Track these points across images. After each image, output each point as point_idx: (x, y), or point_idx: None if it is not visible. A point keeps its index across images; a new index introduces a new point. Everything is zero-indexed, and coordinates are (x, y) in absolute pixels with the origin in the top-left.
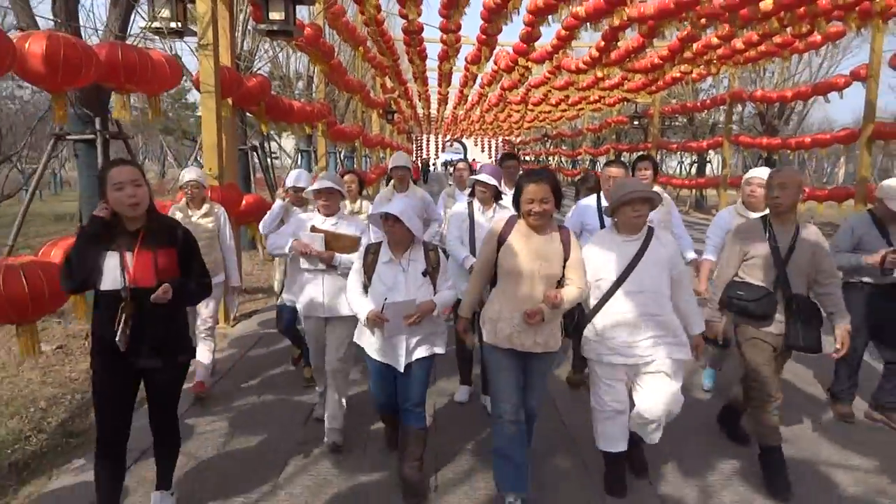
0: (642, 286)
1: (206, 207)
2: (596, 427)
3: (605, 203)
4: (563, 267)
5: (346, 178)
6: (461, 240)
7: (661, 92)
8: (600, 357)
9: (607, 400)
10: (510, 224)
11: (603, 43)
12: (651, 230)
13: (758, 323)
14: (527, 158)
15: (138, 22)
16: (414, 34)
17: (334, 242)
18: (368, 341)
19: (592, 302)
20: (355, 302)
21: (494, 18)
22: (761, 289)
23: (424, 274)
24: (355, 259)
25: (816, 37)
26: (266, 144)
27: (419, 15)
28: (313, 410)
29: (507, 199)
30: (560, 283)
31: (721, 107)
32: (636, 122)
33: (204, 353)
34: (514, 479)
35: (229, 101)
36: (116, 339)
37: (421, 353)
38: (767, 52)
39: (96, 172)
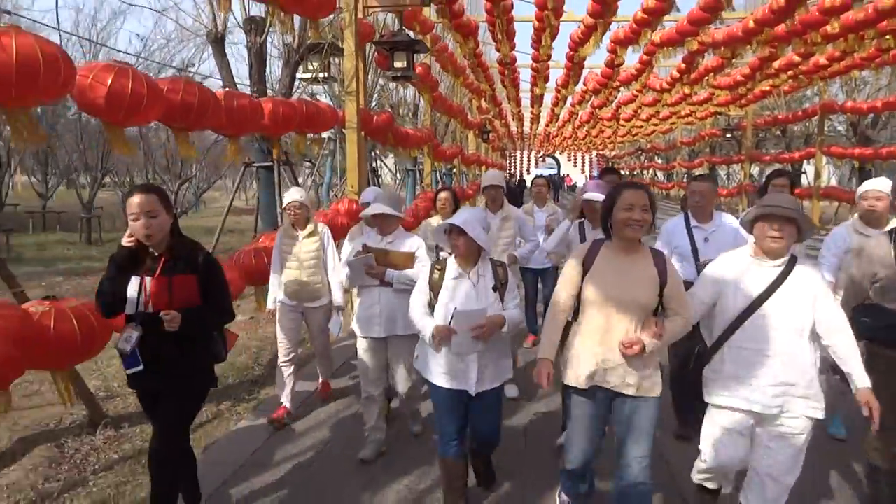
0: (777, 321)
1: (310, 228)
2: (697, 465)
3: (694, 223)
4: (660, 295)
5: (441, 195)
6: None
7: (754, 105)
8: (719, 400)
9: (722, 457)
10: (594, 249)
11: (683, 65)
12: (794, 258)
13: (891, 351)
14: (622, 172)
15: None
16: (507, 65)
17: (386, 260)
18: (434, 366)
19: (714, 334)
20: (419, 321)
21: (580, 48)
22: (892, 313)
23: (495, 290)
24: (410, 273)
25: None
26: (374, 164)
27: (512, 49)
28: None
29: None
30: (657, 314)
31: (813, 118)
32: (729, 135)
33: (289, 385)
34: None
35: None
36: (125, 357)
37: (493, 379)
38: (852, 65)
39: (272, 191)
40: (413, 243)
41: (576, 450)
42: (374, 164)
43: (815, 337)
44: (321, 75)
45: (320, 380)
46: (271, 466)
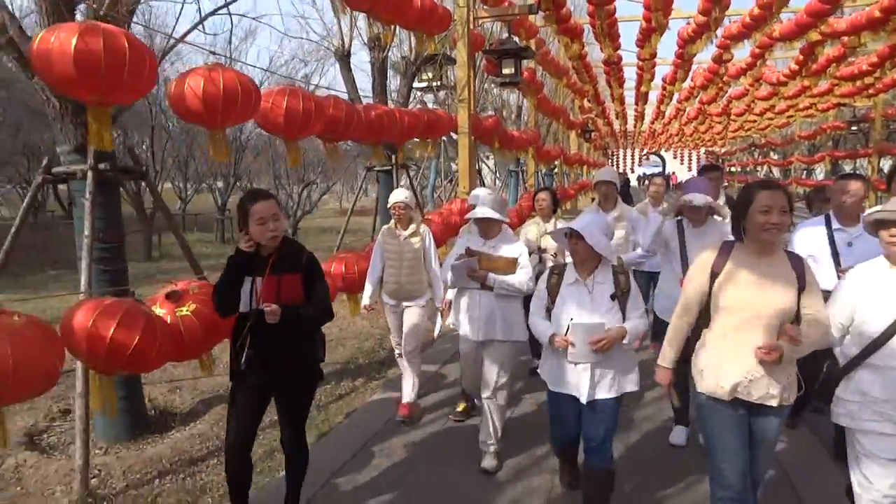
0: None
1: (412, 228)
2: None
3: (836, 225)
4: (798, 300)
5: (540, 195)
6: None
7: (883, 94)
8: (865, 425)
9: (882, 487)
10: (725, 251)
11: (801, 57)
12: None
13: None
14: (732, 170)
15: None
16: (613, 65)
17: (489, 264)
18: (549, 371)
19: (852, 350)
20: (537, 326)
21: (689, 45)
22: None
23: (613, 298)
24: (512, 279)
25: None
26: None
27: (616, 49)
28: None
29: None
30: (795, 321)
31: None
32: (855, 128)
33: (407, 377)
34: None
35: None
36: (239, 356)
37: (608, 389)
38: None
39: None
40: (516, 249)
41: (728, 462)
42: (476, 166)
43: None
44: (435, 84)
45: (404, 399)
46: (387, 453)
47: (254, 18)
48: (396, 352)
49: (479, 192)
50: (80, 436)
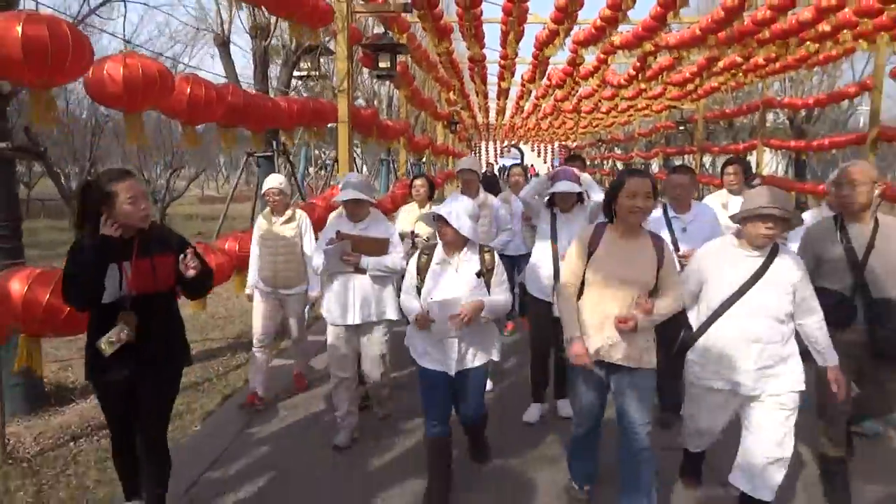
0: (759, 309)
1: (288, 214)
2: (685, 433)
3: (672, 213)
4: (657, 276)
5: (417, 182)
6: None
7: (704, 99)
8: (701, 381)
9: (703, 426)
10: (598, 232)
11: (638, 64)
12: (776, 247)
13: (834, 331)
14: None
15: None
16: (477, 62)
17: (361, 246)
18: (417, 347)
19: (699, 319)
20: (407, 304)
21: (545, 47)
22: (835, 294)
23: (479, 275)
24: (386, 260)
25: (828, 53)
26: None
27: (482, 48)
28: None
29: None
30: (653, 294)
31: (757, 112)
32: (682, 128)
33: (259, 372)
34: (584, 474)
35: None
36: (102, 345)
37: (474, 359)
38: (786, 66)
39: None
40: (386, 229)
41: (585, 415)
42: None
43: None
44: (314, 73)
45: (295, 371)
46: (246, 456)
47: None
48: (256, 344)
49: (349, 176)
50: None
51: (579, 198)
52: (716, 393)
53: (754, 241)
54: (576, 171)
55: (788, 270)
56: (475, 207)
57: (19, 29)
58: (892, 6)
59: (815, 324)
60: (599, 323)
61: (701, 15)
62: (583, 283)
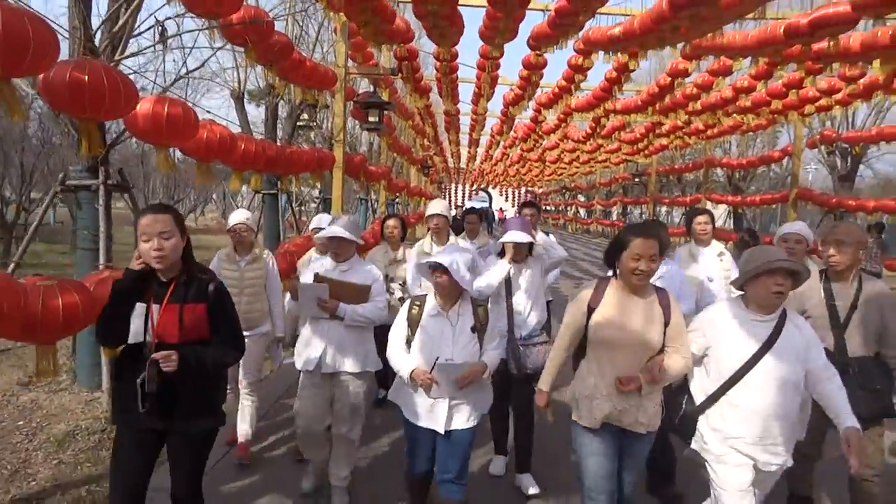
0: (775, 378)
1: (254, 253)
2: None
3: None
4: (664, 334)
5: (390, 223)
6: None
7: (656, 156)
8: (721, 456)
9: None
10: (601, 288)
11: (593, 124)
12: (784, 310)
13: None
14: (548, 208)
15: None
16: (452, 116)
17: (340, 291)
18: (407, 402)
19: (702, 386)
20: (397, 358)
21: (511, 106)
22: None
23: (473, 330)
24: (365, 311)
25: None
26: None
27: (456, 104)
28: (302, 483)
29: (542, 241)
30: (660, 353)
31: (700, 170)
32: (637, 179)
33: (246, 412)
34: None
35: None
36: (139, 396)
37: (465, 418)
38: (723, 131)
39: (276, 215)
40: (369, 275)
41: (599, 486)
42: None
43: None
44: (312, 124)
45: (240, 437)
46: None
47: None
48: (230, 386)
49: (327, 215)
50: (106, 367)
51: (530, 248)
52: (741, 470)
53: (764, 301)
54: (528, 221)
55: (800, 335)
56: (473, 259)
57: (86, 77)
58: (794, 90)
59: (834, 387)
60: (608, 386)
61: (646, 84)
62: (586, 343)
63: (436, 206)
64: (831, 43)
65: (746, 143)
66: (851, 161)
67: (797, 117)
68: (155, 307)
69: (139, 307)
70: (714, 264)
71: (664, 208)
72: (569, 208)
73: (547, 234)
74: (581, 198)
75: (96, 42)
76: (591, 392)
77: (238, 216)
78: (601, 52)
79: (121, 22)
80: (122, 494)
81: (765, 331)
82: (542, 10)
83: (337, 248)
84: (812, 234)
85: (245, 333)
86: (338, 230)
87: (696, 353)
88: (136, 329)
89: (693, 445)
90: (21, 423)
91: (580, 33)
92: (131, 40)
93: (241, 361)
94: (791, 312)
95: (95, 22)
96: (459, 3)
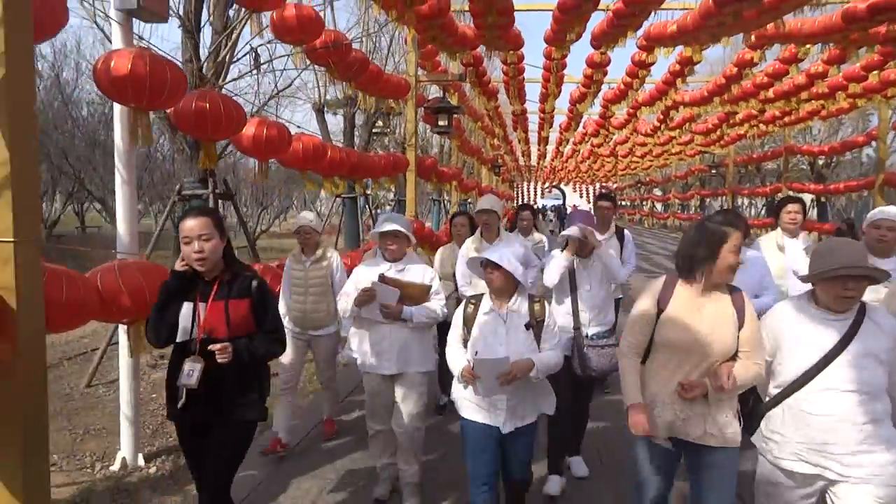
0: (848, 382)
1: (318, 253)
2: None
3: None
4: (737, 338)
5: (458, 220)
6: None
7: (732, 145)
8: (782, 462)
9: None
10: (670, 286)
11: (661, 116)
12: (863, 306)
13: None
14: (623, 203)
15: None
16: (520, 115)
17: (405, 293)
18: (464, 398)
19: (771, 388)
20: (452, 357)
21: (578, 104)
22: None
23: (528, 327)
24: (431, 308)
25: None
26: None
27: (523, 103)
28: (374, 490)
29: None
30: (733, 359)
31: (780, 158)
32: (714, 171)
33: (326, 401)
34: None
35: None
36: (179, 390)
37: (525, 415)
38: (800, 118)
39: (356, 218)
40: (426, 273)
41: (648, 491)
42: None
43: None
44: (386, 131)
45: (325, 416)
46: None
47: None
48: (281, 386)
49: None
50: None
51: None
52: (802, 478)
53: (833, 305)
54: (591, 215)
55: (882, 334)
56: (526, 253)
57: (207, 105)
58: (874, 73)
59: None
60: (671, 394)
61: (713, 75)
62: (650, 346)
63: (485, 202)
64: (892, 27)
65: (831, 129)
66: None
67: (881, 100)
68: (201, 305)
69: (186, 306)
70: (801, 257)
71: (745, 199)
72: (644, 203)
73: (622, 232)
74: (657, 192)
75: (204, 70)
76: (650, 399)
77: (303, 218)
78: (662, 48)
79: (223, 53)
80: (198, 478)
81: (837, 331)
82: (604, 11)
83: (391, 244)
84: None
85: (313, 333)
86: (393, 224)
87: (770, 356)
88: (184, 326)
89: (753, 440)
90: (154, 395)
91: (639, 31)
92: (231, 66)
93: (315, 361)
94: (872, 307)
95: (203, 52)
96: (519, 8)
